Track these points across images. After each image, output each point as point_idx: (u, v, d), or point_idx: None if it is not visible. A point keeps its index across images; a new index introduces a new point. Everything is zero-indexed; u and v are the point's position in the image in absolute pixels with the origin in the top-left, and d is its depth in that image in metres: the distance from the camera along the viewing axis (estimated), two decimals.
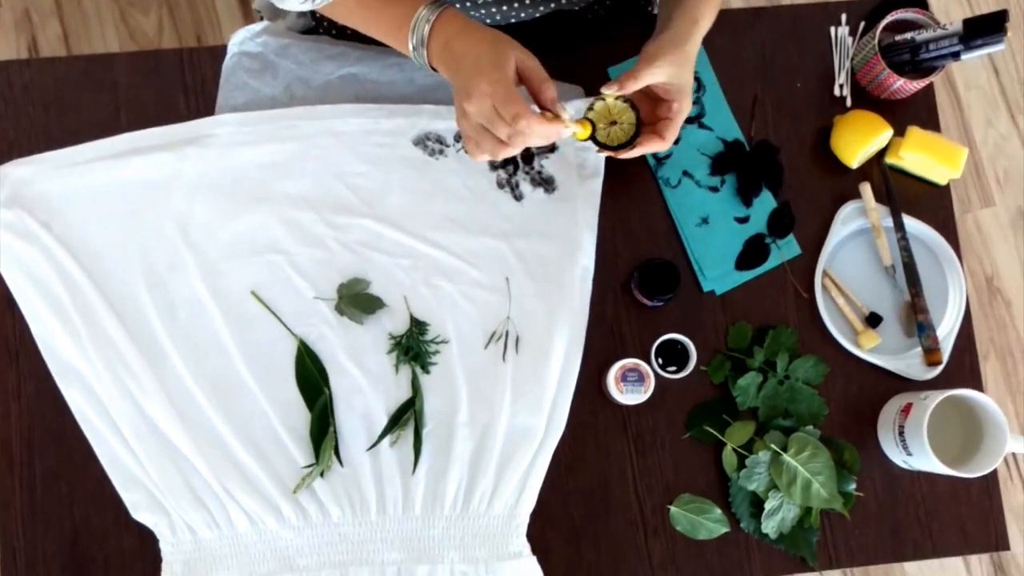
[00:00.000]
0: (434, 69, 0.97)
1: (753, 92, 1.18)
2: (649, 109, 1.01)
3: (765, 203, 1.15)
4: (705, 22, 1.00)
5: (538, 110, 0.93)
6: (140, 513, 1.06)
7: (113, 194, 1.10)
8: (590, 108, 0.99)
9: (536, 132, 0.90)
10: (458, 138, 1.14)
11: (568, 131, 0.94)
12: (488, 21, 1.12)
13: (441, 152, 1.14)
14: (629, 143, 0.99)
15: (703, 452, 1.11)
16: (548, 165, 1.14)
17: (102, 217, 1.10)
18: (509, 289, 1.11)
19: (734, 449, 1.09)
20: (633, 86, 0.96)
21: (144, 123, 1.11)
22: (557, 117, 0.92)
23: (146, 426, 1.06)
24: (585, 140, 0.98)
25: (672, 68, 0.96)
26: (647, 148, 0.99)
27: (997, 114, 2.05)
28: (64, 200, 1.10)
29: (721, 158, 1.15)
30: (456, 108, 0.93)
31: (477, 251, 1.11)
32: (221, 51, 1.13)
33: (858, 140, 1.13)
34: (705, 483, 1.10)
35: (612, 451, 1.11)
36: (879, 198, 1.15)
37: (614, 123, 1.00)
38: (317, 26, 1.20)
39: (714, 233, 1.14)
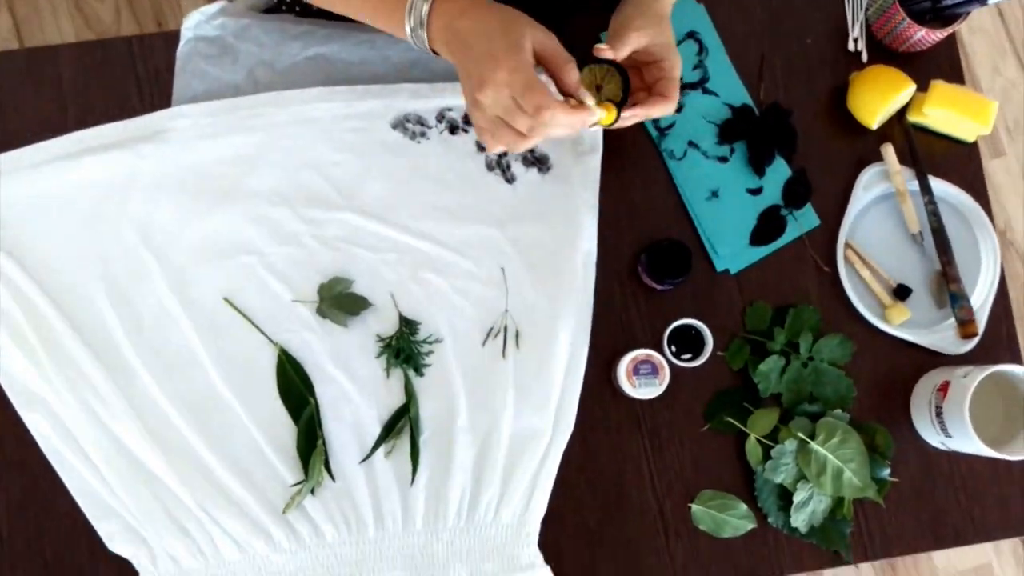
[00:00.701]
0: (435, 53, 0.86)
1: (760, 52, 1.08)
2: (638, 77, 0.92)
3: (779, 172, 1.06)
4: None
5: (559, 95, 0.83)
6: (117, 544, 0.98)
7: (65, 199, 1.01)
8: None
9: (561, 123, 0.80)
10: (440, 118, 1.04)
11: (595, 118, 0.84)
12: None
13: (423, 135, 1.04)
14: (620, 107, 0.90)
15: (724, 444, 1.03)
16: (541, 143, 1.04)
17: (54, 225, 1.01)
18: (505, 280, 1.02)
19: (758, 439, 1.01)
20: (621, 51, 0.87)
21: (94, 120, 1.02)
22: (582, 104, 0.82)
23: (117, 451, 0.98)
24: (610, 125, 0.89)
25: (649, 29, 0.88)
26: (653, 111, 0.90)
27: (1004, 60, 1.96)
28: (10, 209, 1.01)
29: (729, 125, 1.06)
30: (466, 97, 0.83)
31: (468, 240, 1.03)
32: (175, 37, 1.03)
33: (878, 98, 1.04)
34: (728, 477, 1.02)
35: (626, 449, 1.02)
36: (902, 160, 1.06)
37: (599, 88, 0.91)
38: (279, 3, 1.09)
39: (725, 207, 1.05)
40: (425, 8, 0.83)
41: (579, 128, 0.84)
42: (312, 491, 0.98)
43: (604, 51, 0.88)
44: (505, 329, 1.02)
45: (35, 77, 1.04)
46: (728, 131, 1.06)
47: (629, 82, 0.91)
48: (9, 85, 1.04)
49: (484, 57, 0.80)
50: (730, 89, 1.07)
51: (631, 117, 0.91)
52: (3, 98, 1.04)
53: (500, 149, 0.84)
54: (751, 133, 1.06)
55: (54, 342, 0.98)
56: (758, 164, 1.05)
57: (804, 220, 1.05)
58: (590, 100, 0.83)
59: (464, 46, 0.82)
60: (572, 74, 0.83)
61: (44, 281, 0.99)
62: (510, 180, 1.04)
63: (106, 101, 1.04)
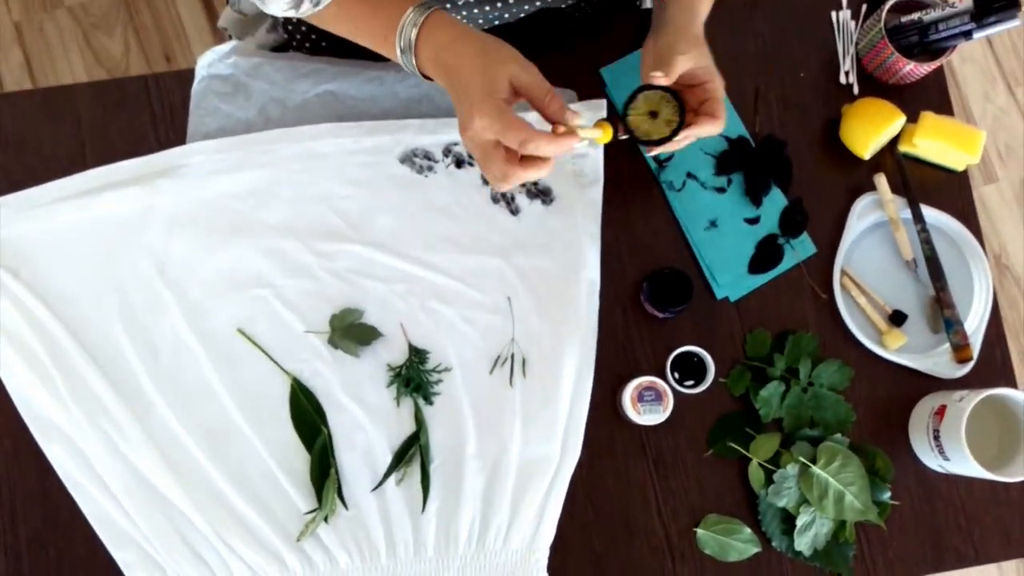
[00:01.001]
0: (427, 78, 0.89)
1: (755, 86, 1.11)
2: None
3: (775, 201, 1.09)
4: (704, 8, 0.94)
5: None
6: (135, 572, 0.99)
7: (83, 234, 1.03)
8: (631, 100, 0.92)
9: (548, 151, 0.82)
10: (446, 153, 1.07)
11: (584, 141, 0.86)
12: (471, 24, 1.06)
13: (430, 169, 1.07)
14: (674, 133, 0.92)
15: (728, 469, 1.05)
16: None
17: (73, 259, 1.03)
18: (511, 309, 1.05)
19: (760, 464, 1.03)
20: (671, 76, 0.90)
21: (111, 157, 1.04)
22: (570, 130, 0.84)
23: (135, 480, 1.00)
24: (608, 143, 0.90)
25: (692, 52, 0.91)
26: (703, 131, 0.93)
27: (995, 87, 2.00)
28: (31, 244, 1.03)
29: (726, 157, 1.09)
30: (460, 132, 0.85)
31: (475, 270, 1.05)
32: (189, 75, 1.06)
33: (869, 129, 1.07)
34: (732, 502, 1.04)
35: (632, 475, 1.04)
36: (895, 189, 1.09)
37: (655, 114, 0.93)
38: (289, 41, 1.13)
39: (724, 236, 1.08)
40: (413, 33, 0.85)
41: (567, 151, 0.84)
42: (326, 519, 1.00)
43: (658, 78, 0.90)
44: (512, 357, 1.04)
45: (53, 116, 1.07)
46: (725, 163, 1.09)
47: (684, 106, 0.92)
48: (28, 124, 1.07)
49: (463, 101, 0.82)
50: (727, 122, 1.09)
51: (684, 139, 0.93)
52: (23, 136, 1.07)
53: (505, 188, 0.85)
54: (748, 164, 1.09)
55: (73, 373, 1.00)
56: (755, 194, 1.08)
57: (801, 248, 1.08)
58: (576, 120, 0.84)
59: (449, 82, 0.84)
60: (553, 104, 0.83)
61: (63, 313, 1.02)
62: (514, 212, 1.07)
63: (123, 138, 1.06)
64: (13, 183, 1.04)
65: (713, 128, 0.92)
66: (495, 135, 0.81)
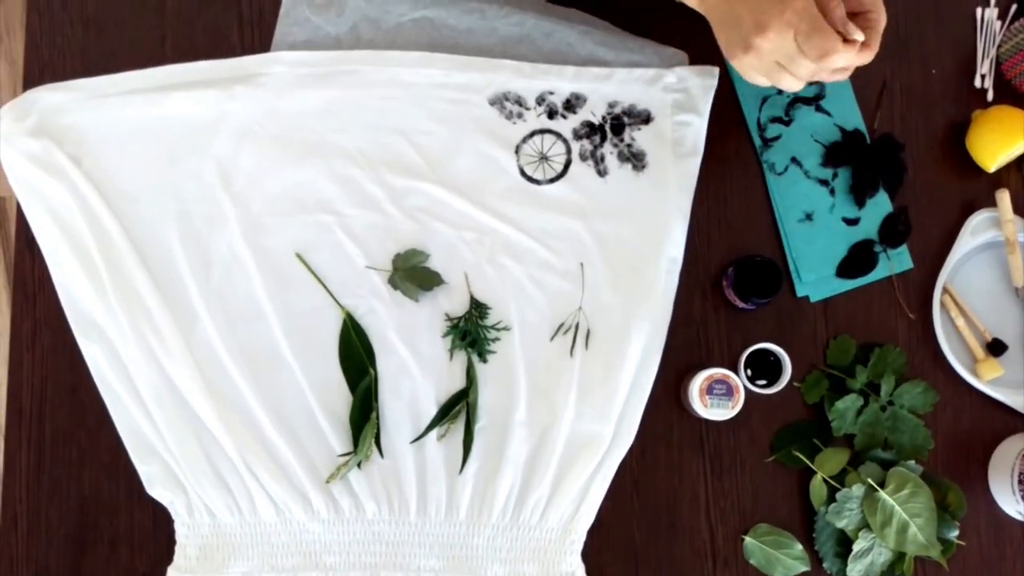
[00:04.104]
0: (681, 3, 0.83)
1: (882, 75, 1.03)
2: None
3: (880, 205, 1.01)
4: None
5: None
6: (155, 488, 0.96)
7: (151, 132, 0.99)
8: None
9: (841, 64, 0.78)
10: (540, 101, 1.00)
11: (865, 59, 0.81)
12: None
13: (519, 116, 1.01)
14: None
15: (788, 479, 0.98)
16: (640, 138, 1.00)
17: (137, 157, 0.99)
18: (583, 276, 0.98)
19: (824, 479, 0.96)
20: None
21: (191, 53, 1.00)
22: (851, 40, 0.78)
23: (169, 393, 0.95)
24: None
25: None
26: (857, 59, 0.82)
27: None
28: (97, 134, 0.99)
29: (836, 148, 1.01)
30: (734, 48, 0.80)
31: (551, 230, 0.99)
32: None
33: (999, 140, 0.98)
34: (787, 514, 0.98)
35: (685, 469, 0.98)
36: (1017, 209, 1.00)
37: None
38: None
39: (817, 232, 1.00)
40: None
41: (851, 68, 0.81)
42: (359, 464, 0.95)
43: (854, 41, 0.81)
44: (576, 327, 0.98)
45: (138, 1, 1.02)
46: (834, 154, 1.01)
47: None
48: (113, 6, 1.02)
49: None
50: (844, 111, 1.02)
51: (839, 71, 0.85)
52: (105, 18, 1.02)
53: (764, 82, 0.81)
54: (858, 160, 1.01)
55: (121, 273, 0.96)
56: (860, 193, 1.00)
57: (897, 261, 1.00)
58: (859, 35, 0.79)
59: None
60: (839, 8, 0.78)
61: (120, 211, 0.97)
62: (602, 173, 1.00)
63: (206, 35, 1.01)
64: (88, 64, 1.00)
65: (865, 57, 0.83)
66: (804, 31, 0.76)
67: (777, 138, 1.01)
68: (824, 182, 1.01)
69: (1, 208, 1.72)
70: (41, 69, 1.01)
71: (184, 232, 0.98)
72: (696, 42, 1.01)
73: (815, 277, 1.00)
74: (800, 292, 1.00)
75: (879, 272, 1.00)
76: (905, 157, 1.01)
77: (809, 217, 1.01)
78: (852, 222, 1.01)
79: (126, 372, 0.96)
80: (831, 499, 0.96)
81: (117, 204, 0.98)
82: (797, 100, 1.01)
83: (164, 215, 0.98)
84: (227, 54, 0.99)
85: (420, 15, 1.01)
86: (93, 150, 0.98)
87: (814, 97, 1.02)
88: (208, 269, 0.98)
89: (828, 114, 1.02)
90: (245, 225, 0.98)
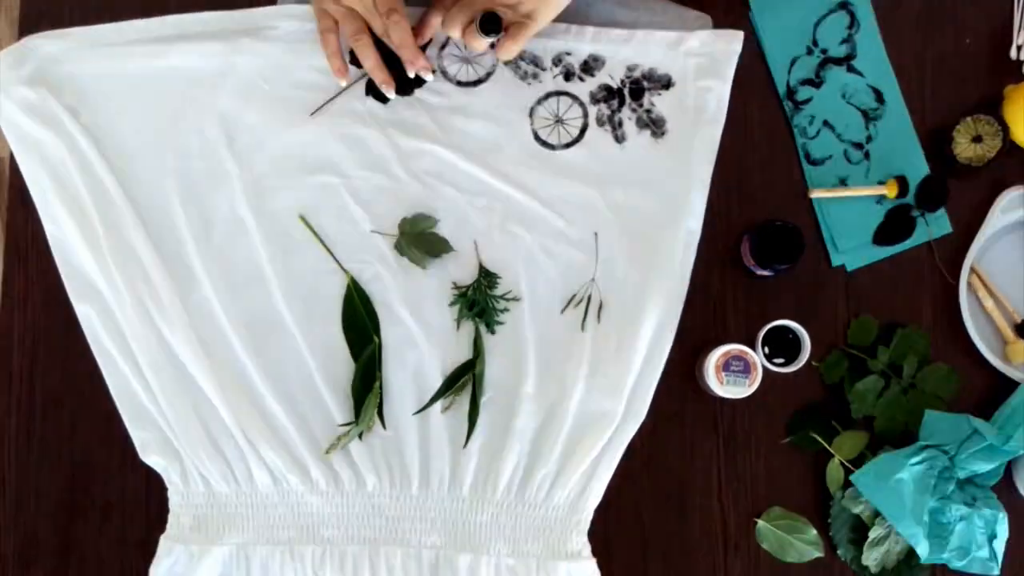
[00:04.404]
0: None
1: (912, 41, 0.99)
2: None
3: (916, 167, 0.97)
4: None
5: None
6: (149, 455, 0.92)
7: (152, 85, 0.95)
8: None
9: (399, 40, 0.86)
10: (556, 62, 0.97)
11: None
12: None
13: (535, 76, 0.97)
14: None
15: (803, 462, 0.95)
16: (660, 103, 0.96)
17: (137, 110, 0.95)
18: (597, 246, 0.95)
19: (841, 463, 0.93)
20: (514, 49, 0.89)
21: (196, 4, 0.95)
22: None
23: (165, 357, 0.92)
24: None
25: None
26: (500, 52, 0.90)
27: None
28: (96, 85, 0.95)
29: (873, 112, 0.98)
30: None
31: (565, 197, 0.95)
32: None
33: None
34: (802, 498, 0.95)
35: (698, 449, 0.95)
36: None
37: (979, 139, 0.95)
38: None
39: (852, 198, 0.96)
40: None
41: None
42: (360, 435, 0.92)
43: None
44: (588, 299, 0.94)
45: None
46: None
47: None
48: None
49: None
50: (877, 71, 0.97)
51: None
52: None
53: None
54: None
55: (118, 232, 0.92)
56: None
57: (936, 226, 0.96)
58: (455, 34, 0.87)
59: None
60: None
61: (118, 167, 0.94)
62: (619, 139, 0.96)
63: None
64: (88, 13, 0.96)
65: (504, 52, 0.89)
66: None
67: (808, 101, 0.97)
68: (858, 145, 0.97)
69: None
70: (38, 16, 0.97)
71: (185, 191, 0.94)
72: (720, 5, 0.97)
73: (852, 245, 0.96)
74: (836, 261, 0.96)
75: (918, 237, 0.96)
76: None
77: (843, 182, 0.97)
78: None
79: (121, 334, 0.92)
80: (848, 484, 0.92)
81: (115, 159, 0.94)
82: (828, 60, 0.97)
83: (164, 172, 0.94)
84: (234, 5, 0.95)
85: None
86: (92, 101, 0.95)
87: (845, 57, 0.98)
88: (208, 230, 0.94)
89: (860, 74, 0.98)
90: (248, 185, 0.94)
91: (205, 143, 0.95)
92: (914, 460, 0.90)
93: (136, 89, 0.95)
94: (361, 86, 0.95)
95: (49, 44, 0.94)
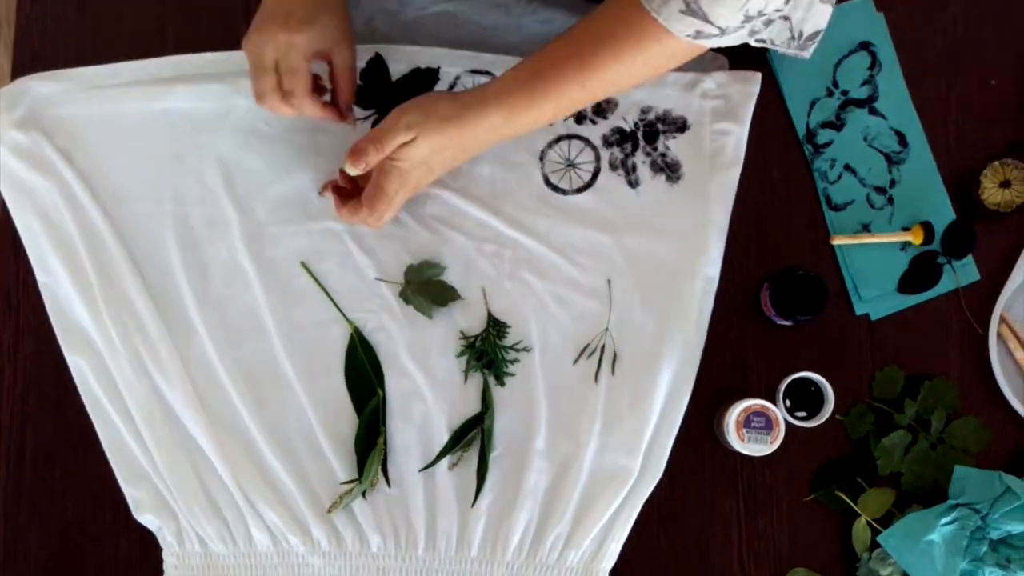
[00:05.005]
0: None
1: (936, 81, 0.95)
2: None
3: (941, 214, 0.93)
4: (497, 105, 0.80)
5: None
6: (143, 514, 0.89)
7: (149, 128, 0.92)
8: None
9: (310, 114, 0.83)
10: None
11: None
12: None
13: None
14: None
15: (828, 520, 0.91)
16: (675, 147, 0.93)
17: (134, 154, 0.92)
18: (611, 294, 0.91)
19: (868, 522, 0.89)
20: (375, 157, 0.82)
21: (194, 44, 0.92)
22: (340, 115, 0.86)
23: (161, 411, 0.89)
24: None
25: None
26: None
27: None
28: (91, 128, 0.92)
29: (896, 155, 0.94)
30: (251, 29, 0.81)
31: (577, 243, 0.92)
32: None
33: None
34: (826, 559, 0.91)
35: (717, 507, 0.91)
36: None
37: (1008, 184, 0.93)
38: None
39: (876, 245, 0.93)
40: None
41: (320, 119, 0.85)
42: (364, 493, 0.88)
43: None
44: (602, 350, 0.91)
45: None
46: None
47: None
48: None
49: (282, 5, 0.80)
50: (901, 114, 0.94)
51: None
52: (99, 4, 0.95)
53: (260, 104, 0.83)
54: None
55: (112, 280, 0.89)
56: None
57: (963, 273, 0.93)
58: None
59: None
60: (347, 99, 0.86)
61: (113, 213, 0.91)
62: (633, 184, 0.93)
63: (210, 25, 0.95)
64: (83, 53, 0.93)
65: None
66: (288, 63, 0.79)
67: (828, 144, 0.94)
68: (881, 190, 0.94)
69: None
70: (32, 58, 0.94)
71: (182, 237, 0.91)
72: (737, 46, 0.94)
73: (875, 294, 0.93)
74: (860, 311, 0.93)
75: (944, 286, 0.92)
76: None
77: (866, 228, 0.93)
78: None
79: (115, 387, 0.89)
80: (875, 544, 0.88)
81: (110, 205, 0.91)
82: (849, 102, 0.94)
83: (161, 218, 0.91)
84: (233, 46, 0.91)
85: (441, 9, 0.94)
86: (86, 146, 0.92)
87: (866, 99, 0.94)
88: (206, 278, 0.90)
89: (883, 116, 0.94)
90: (248, 232, 0.91)
91: (204, 188, 0.91)
92: (944, 520, 0.86)
93: (132, 132, 0.92)
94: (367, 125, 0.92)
95: (43, 86, 0.91)
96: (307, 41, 0.79)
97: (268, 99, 0.81)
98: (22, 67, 0.93)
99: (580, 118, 0.93)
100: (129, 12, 0.95)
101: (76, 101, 0.92)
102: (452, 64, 0.93)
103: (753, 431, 0.86)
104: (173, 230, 0.91)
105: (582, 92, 0.79)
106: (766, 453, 0.87)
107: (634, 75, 0.79)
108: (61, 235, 0.90)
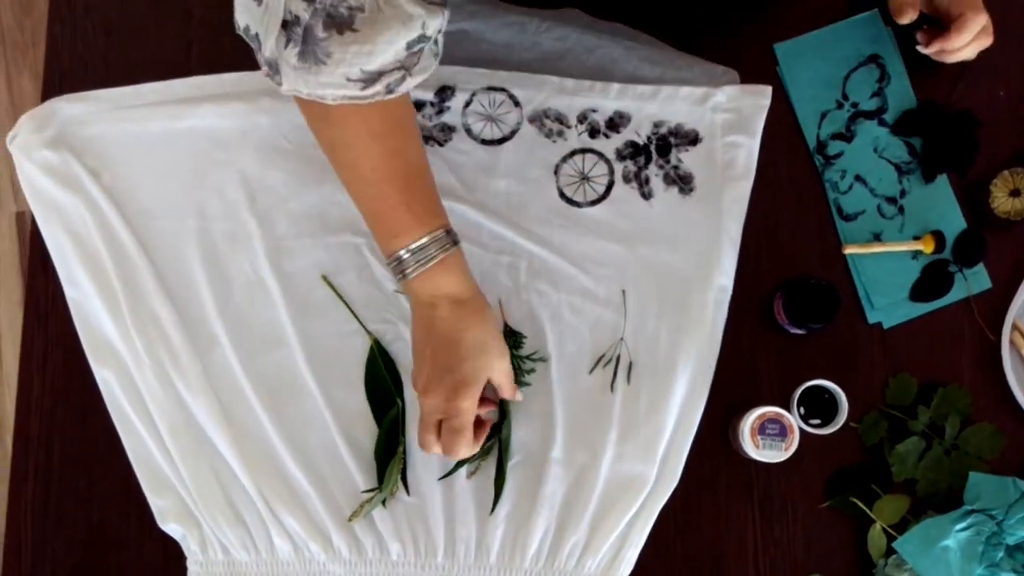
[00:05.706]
0: (401, 292, 0.89)
1: (944, 93, 0.97)
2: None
3: (952, 223, 0.94)
4: None
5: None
6: (168, 522, 0.90)
7: (174, 146, 0.94)
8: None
9: (463, 453, 0.82)
10: (582, 119, 0.95)
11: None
12: None
13: (560, 134, 0.95)
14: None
15: (843, 527, 0.91)
16: (687, 160, 0.95)
17: (159, 172, 0.94)
18: (625, 304, 0.92)
19: (883, 528, 0.89)
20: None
21: (218, 64, 0.95)
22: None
23: (184, 422, 0.90)
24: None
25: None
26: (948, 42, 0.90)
27: None
28: (118, 147, 0.94)
29: (909, 117, 0.95)
30: (420, 381, 0.82)
31: (591, 255, 0.93)
32: None
33: None
34: (841, 565, 0.91)
35: (732, 514, 0.92)
36: None
37: (1017, 192, 0.94)
38: None
39: (887, 254, 0.94)
40: (432, 263, 0.79)
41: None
42: (383, 502, 0.89)
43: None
44: (618, 359, 0.92)
45: (164, 8, 0.97)
46: (907, 124, 0.95)
47: None
48: (137, 12, 0.98)
49: (441, 370, 0.80)
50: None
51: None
52: (128, 25, 0.97)
53: (423, 449, 0.83)
54: (931, 132, 0.95)
55: (138, 294, 0.91)
56: (930, 169, 0.94)
57: (974, 281, 0.94)
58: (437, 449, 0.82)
59: (429, 334, 0.81)
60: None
61: (138, 229, 0.93)
62: (647, 196, 0.95)
63: (234, 45, 0.95)
64: (111, 73, 0.96)
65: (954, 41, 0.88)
66: (451, 425, 0.80)
67: (839, 155, 0.95)
68: (892, 199, 0.95)
69: (21, 221, 1.68)
70: (60, 79, 0.97)
71: (206, 252, 0.93)
72: (747, 60, 0.96)
73: (887, 302, 0.94)
74: (872, 320, 0.94)
75: (956, 294, 0.93)
76: (980, 135, 0.95)
77: (877, 237, 0.94)
78: None
79: (140, 399, 0.91)
80: (890, 550, 0.89)
81: (136, 221, 0.93)
82: (858, 114, 0.96)
83: (185, 233, 0.93)
84: (255, 66, 0.92)
85: (456, 27, 0.96)
86: (113, 164, 0.94)
87: (876, 111, 0.96)
88: (229, 291, 0.92)
89: (892, 128, 0.96)
90: (269, 246, 0.93)
91: (226, 204, 0.94)
92: (960, 526, 0.87)
93: (157, 150, 0.94)
94: None
95: (71, 107, 0.94)
96: (473, 402, 0.81)
97: (430, 448, 0.82)
98: (51, 88, 0.96)
99: (594, 132, 0.95)
100: (155, 33, 0.97)
101: (104, 121, 0.94)
102: (468, 81, 0.95)
103: (768, 438, 0.87)
104: (196, 245, 0.93)
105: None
106: (780, 460, 0.88)
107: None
108: (88, 250, 0.92)
